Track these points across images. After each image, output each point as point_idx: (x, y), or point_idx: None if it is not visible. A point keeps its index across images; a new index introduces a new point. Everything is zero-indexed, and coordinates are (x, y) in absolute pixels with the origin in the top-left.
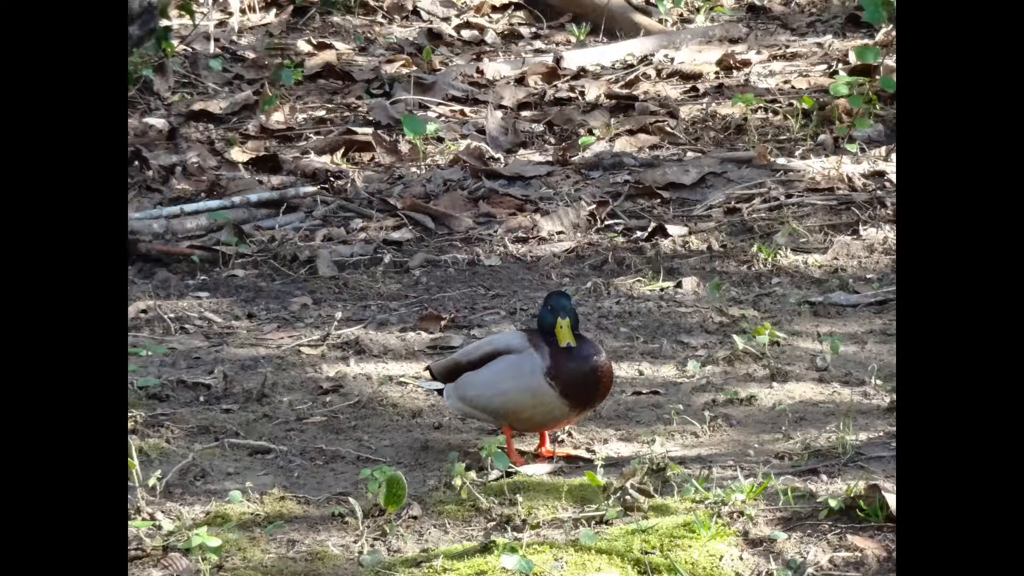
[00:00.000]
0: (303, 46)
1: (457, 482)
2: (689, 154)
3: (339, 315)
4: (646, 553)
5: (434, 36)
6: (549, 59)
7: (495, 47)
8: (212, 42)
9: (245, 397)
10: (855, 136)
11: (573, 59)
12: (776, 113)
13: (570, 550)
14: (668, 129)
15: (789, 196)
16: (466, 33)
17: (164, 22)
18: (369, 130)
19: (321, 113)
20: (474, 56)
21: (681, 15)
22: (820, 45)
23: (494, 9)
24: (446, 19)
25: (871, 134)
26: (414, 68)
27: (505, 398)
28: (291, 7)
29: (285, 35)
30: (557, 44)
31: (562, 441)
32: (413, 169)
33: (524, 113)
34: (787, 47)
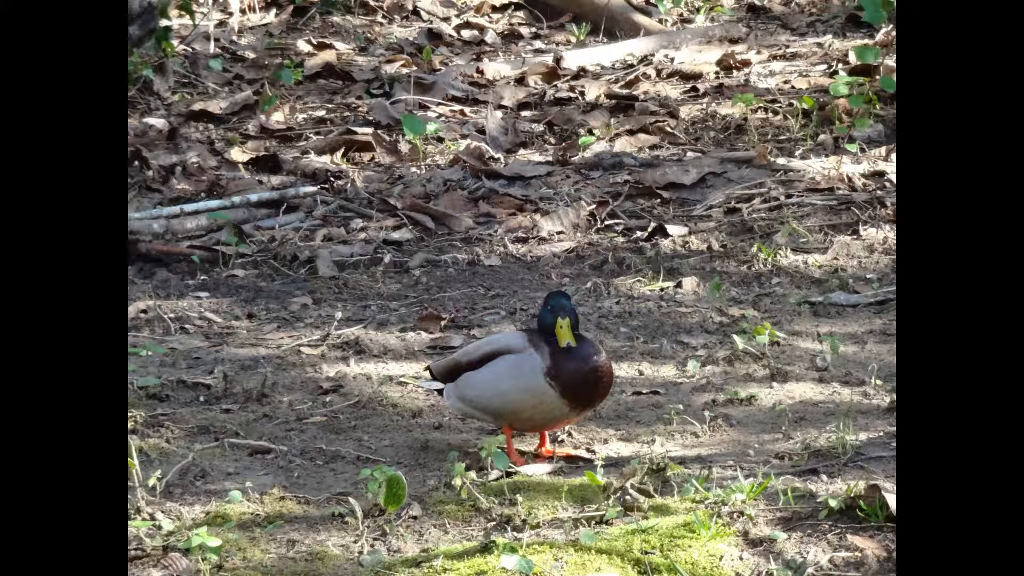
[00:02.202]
0: (303, 46)
1: (457, 482)
2: (689, 154)
3: (339, 315)
4: (646, 553)
5: (434, 36)
6: (549, 59)
7: (495, 47)
8: (212, 42)
9: (245, 397)
10: (855, 136)
11: (573, 59)
12: (776, 113)
13: (570, 550)
14: (668, 129)
15: (789, 196)
16: (466, 33)
17: (164, 22)
18: (369, 130)
19: (321, 113)
20: (474, 56)
21: (681, 15)
22: (820, 45)
23: (494, 9)
24: (446, 19)
25: (871, 134)
26: (414, 68)
27: (505, 398)
28: (291, 7)
29: (285, 35)
30: (557, 44)
31: (562, 441)
32: (413, 169)
33: (524, 113)
34: (787, 47)
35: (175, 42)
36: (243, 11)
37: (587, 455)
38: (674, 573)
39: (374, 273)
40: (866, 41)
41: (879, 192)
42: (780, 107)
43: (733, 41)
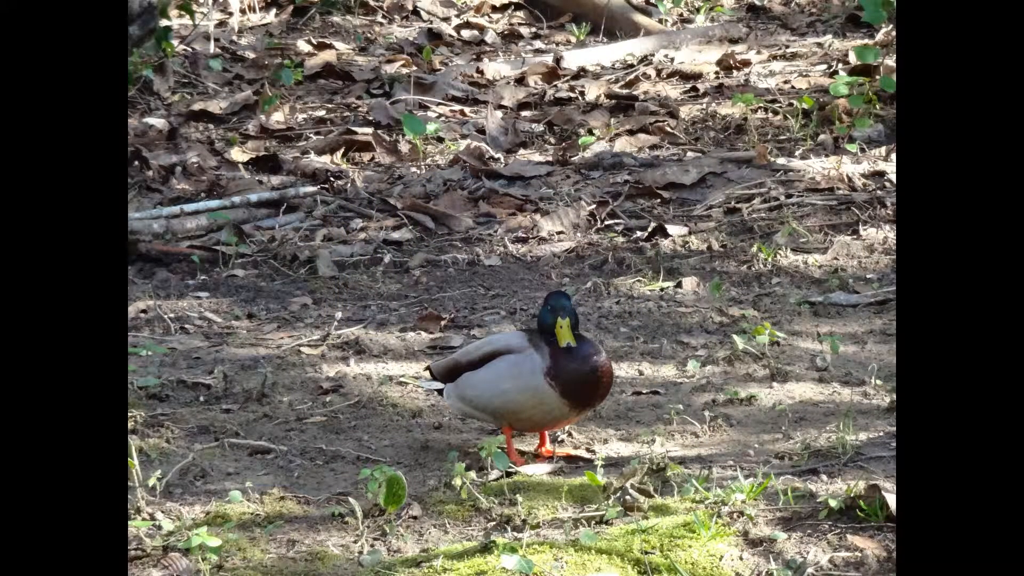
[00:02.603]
0: (303, 46)
1: (457, 482)
2: (689, 154)
3: (339, 315)
4: (646, 553)
5: (434, 36)
6: (549, 59)
7: (495, 47)
8: (212, 42)
9: (245, 397)
10: (855, 136)
11: (573, 59)
12: (776, 113)
13: (570, 550)
14: (668, 129)
15: (789, 196)
16: (466, 33)
17: (164, 22)
18: (369, 130)
19: (321, 113)
20: (474, 56)
21: (681, 15)
22: (820, 45)
23: (494, 9)
24: (446, 19)
25: (871, 134)
26: (414, 68)
27: (505, 398)
28: (291, 7)
29: (285, 35)
30: (557, 44)
31: (562, 441)
32: (413, 169)
33: (524, 113)
34: (787, 47)
35: (175, 42)
36: (243, 11)
37: (587, 455)
38: (674, 573)
39: (374, 273)
40: (866, 41)
41: (879, 192)
42: (780, 107)
43: (733, 41)
